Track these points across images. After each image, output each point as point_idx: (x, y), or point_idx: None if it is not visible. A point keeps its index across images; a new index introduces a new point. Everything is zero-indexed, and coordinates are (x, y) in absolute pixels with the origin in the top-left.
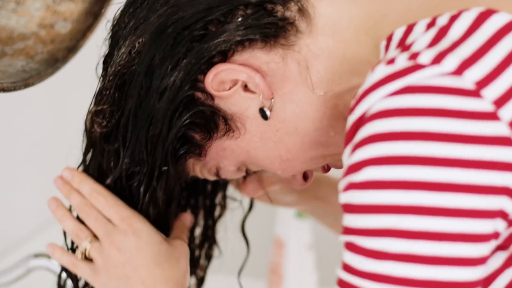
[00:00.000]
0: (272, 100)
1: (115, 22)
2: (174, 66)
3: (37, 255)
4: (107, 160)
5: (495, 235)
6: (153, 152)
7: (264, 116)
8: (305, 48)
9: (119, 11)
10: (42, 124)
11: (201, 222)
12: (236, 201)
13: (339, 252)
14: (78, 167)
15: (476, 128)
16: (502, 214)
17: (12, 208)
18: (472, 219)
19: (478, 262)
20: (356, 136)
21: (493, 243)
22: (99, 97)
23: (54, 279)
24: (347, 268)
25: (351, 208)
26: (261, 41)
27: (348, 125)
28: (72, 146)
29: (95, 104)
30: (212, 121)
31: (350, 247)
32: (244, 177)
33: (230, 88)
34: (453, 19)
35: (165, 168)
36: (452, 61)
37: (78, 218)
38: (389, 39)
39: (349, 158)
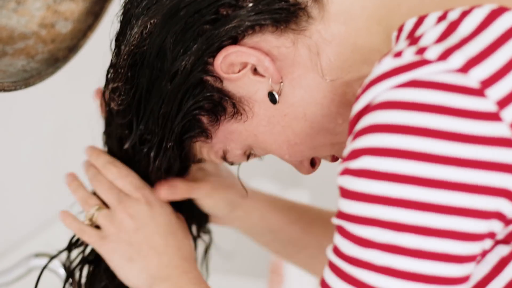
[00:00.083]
0: (281, 84)
1: (127, 0)
2: (185, 51)
3: (37, 255)
4: (123, 130)
5: (490, 235)
6: (163, 127)
7: (273, 100)
8: (316, 34)
9: None
10: (43, 124)
11: None
12: None
13: None
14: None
15: (477, 128)
16: (498, 216)
17: (13, 208)
18: (464, 218)
19: (466, 259)
20: (359, 124)
21: (488, 242)
22: (115, 74)
23: (55, 279)
24: (336, 250)
25: (344, 193)
26: (272, 25)
27: (352, 114)
28: (73, 146)
29: (111, 80)
30: (220, 104)
31: (340, 230)
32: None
33: (239, 71)
34: (464, 14)
35: (171, 144)
36: (459, 58)
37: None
38: (400, 30)
39: (350, 144)
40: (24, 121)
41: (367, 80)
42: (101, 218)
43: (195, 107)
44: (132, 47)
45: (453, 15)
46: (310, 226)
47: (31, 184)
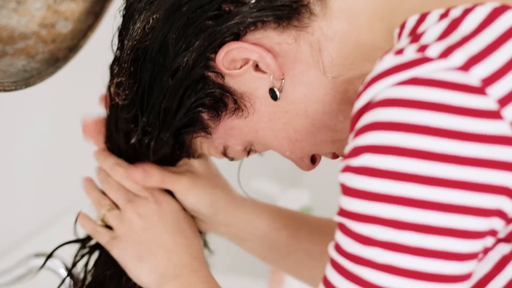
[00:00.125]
0: (283, 81)
1: None
2: (187, 47)
3: (38, 255)
4: (129, 124)
5: (491, 233)
6: (163, 121)
7: (274, 97)
8: (318, 30)
9: None
10: (43, 123)
11: None
12: None
13: None
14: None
15: (477, 126)
16: (499, 214)
17: (13, 208)
18: (465, 216)
19: (467, 257)
20: (360, 121)
21: (490, 240)
22: (118, 69)
23: (56, 279)
24: (337, 247)
25: (345, 190)
26: (274, 22)
27: (353, 111)
28: (73, 146)
29: (115, 75)
30: (221, 100)
31: (342, 228)
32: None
33: (241, 67)
34: (466, 12)
35: (167, 136)
36: (460, 56)
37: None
38: (402, 27)
39: (351, 142)
40: (24, 121)
41: (368, 78)
42: (111, 218)
43: (196, 104)
44: (135, 42)
45: (455, 13)
46: (297, 231)
47: (31, 184)
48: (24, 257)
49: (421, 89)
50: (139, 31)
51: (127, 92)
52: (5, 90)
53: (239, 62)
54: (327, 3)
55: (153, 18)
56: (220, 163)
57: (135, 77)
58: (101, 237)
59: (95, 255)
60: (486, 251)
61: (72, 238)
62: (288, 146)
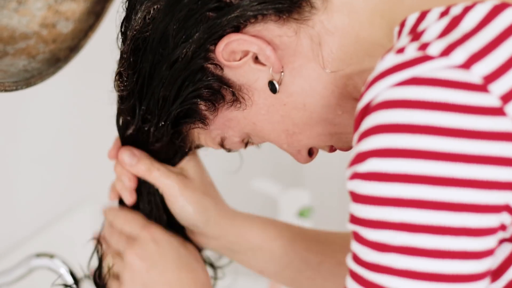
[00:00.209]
0: (282, 73)
1: None
2: (187, 38)
3: (39, 255)
4: (126, 116)
5: (502, 227)
6: (161, 109)
7: (273, 90)
8: (319, 24)
9: None
10: (44, 124)
11: None
12: None
13: None
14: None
15: (481, 123)
16: (508, 209)
17: (14, 208)
18: (476, 214)
19: (483, 255)
20: (362, 125)
21: (501, 234)
22: (120, 59)
23: (56, 279)
24: (355, 257)
25: (355, 197)
26: (275, 15)
27: (356, 111)
28: (74, 145)
29: (118, 66)
30: (219, 92)
31: (356, 236)
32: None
33: (240, 59)
34: (466, 9)
35: (163, 124)
36: (461, 54)
37: None
38: (402, 25)
39: (355, 147)
40: (25, 121)
41: (370, 77)
42: (116, 266)
43: (193, 94)
44: (135, 32)
45: (455, 10)
46: (292, 242)
47: (32, 184)
48: (25, 257)
49: (422, 88)
50: (139, 21)
51: (126, 83)
52: (5, 90)
53: (238, 54)
54: None
55: (154, 9)
56: (221, 163)
57: (134, 67)
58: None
59: None
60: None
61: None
62: (286, 138)
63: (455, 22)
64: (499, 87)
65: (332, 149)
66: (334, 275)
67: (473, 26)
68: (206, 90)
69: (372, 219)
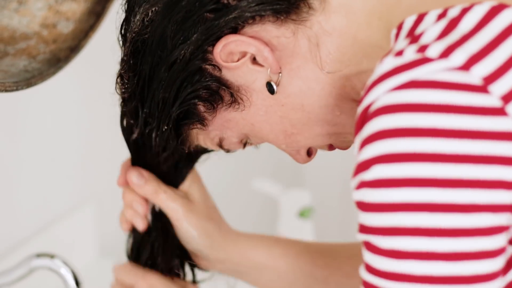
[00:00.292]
0: (280, 74)
1: None
2: (185, 40)
3: (39, 255)
4: (129, 119)
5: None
6: (162, 111)
7: (271, 90)
8: (317, 25)
9: None
10: (45, 124)
11: None
12: None
13: None
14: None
15: (484, 123)
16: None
17: (15, 208)
18: (486, 213)
19: (497, 253)
20: (363, 131)
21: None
22: (122, 62)
23: (56, 279)
24: (369, 268)
25: (364, 206)
26: (272, 16)
27: (356, 116)
28: (74, 146)
29: (119, 68)
30: (218, 93)
31: (368, 246)
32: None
33: (238, 60)
34: (464, 11)
35: (166, 128)
36: (460, 56)
37: None
38: (399, 27)
39: (357, 154)
40: (25, 122)
41: (369, 81)
42: None
43: (192, 95)
44: (134, 35)
45: (453, 12)
46: (297, 258)
47: (33, 184)
48: (26, 258)
49: (422, 91)
50: (138, 23)
51: (127, 85)
52: (6, 91)
53: (236, 55)
54: None
55: (152, 11)
56: (222, 164)
57: (135, 69)
58: None
59: None
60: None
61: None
62: (284, 139)
63: (453, 24)
64: (499, 88)
65: (331, 147)
66: (342, 287)
67: (471, 27)
68: (205, 91)
69: (383, 227)
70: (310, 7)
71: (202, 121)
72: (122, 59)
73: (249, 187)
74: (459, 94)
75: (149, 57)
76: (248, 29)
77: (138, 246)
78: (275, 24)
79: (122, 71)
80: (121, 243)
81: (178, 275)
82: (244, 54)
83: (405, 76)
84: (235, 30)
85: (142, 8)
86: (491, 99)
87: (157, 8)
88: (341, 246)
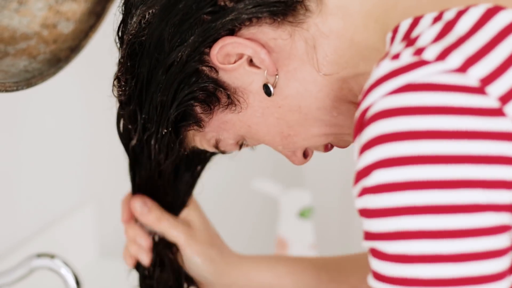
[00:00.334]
0: (277, 76)
1: None
2: (182, 42)
3: (39, 255)
4: (127, 123)
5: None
6: (160, 115)
7: (268, 92)
8: (313, 27)
9: None
10: (44, 124)
11: None
12: None
13: (342, 251)
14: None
15: (482, 124)
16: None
17: (15, 208)
18: (489, 213)
19: (503, 252)
20: (362, 136)
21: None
22: (119, 64)
23: (57, 279)
24: (376, 275)
25: (367, 213)
26: (269, 18)
27: (354, 120)
28: (74, 146)
29: (116, 71)
30: (214, 95)
31: (374, 253)
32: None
33: (235, 62)
34: (460, 14)
35: (166, 131)
36: (457, 58)
37: None
38: (395, 31)
39: (357, 160)
40: (25, 122)
41: (366, 85)
42: None
43: (189, 97)
44: (131, 37)
45: (449, 15)
46: (302, 274)
47: (33, 184)
48: (26, 258)
49: (419, 94)
50: (135, 25)
51: (124, 87)
52: (6, 91)
53: (233, 57)
54: (323, 0)
55: (149, 13)
56: (222, 163)
57: (132, 72)
58: None
59: None
60: None
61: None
62: (281, 140)
63: (449, 26)
64: (496, 89)
65: (326, 148)
66: None
67: (467, 29)
68: (202, 93)
69: (388, 232)
70: (307, 9)
71: (199, 123)
72: (119, 61)
73: (249, 187)
74: (456, 96)
75: (146, 59)
76: (245, 31)
77: (144, 279)
78: (272, 26)
79: (119, 74)
80: (121, 243)
81: None
82: (241, 56)
83: (402, 79)
84: (232, 32)
85: (139, 10)
86: (489, 100)
87: (154, 11)
88: (346, 258)
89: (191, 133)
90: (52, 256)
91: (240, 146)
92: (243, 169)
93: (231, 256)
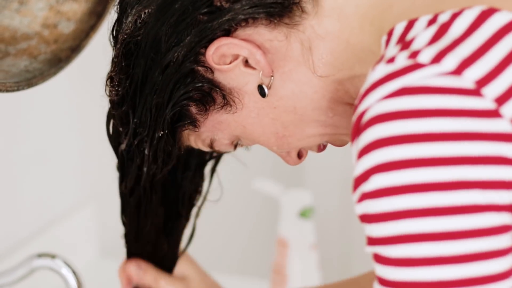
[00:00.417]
0: (272, 77)
1: None
2: (178, 42)
3: (40, 255)
4: (118, 126)
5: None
6: (156, 118)
7: (262, 94)
8: (309, 28)
9: None
10: (45, 124)
11: None
12: None
13: (342, 251)
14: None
15: (479, 125)
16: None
17: (16, 208)
18: (489, 213)
19: (505, 252)
20: (359, 141)
21: None
22: (112, 64)
23: (57, 279)
24: (381, 281)
25: (368, 218)
26: (265, 19)
27: (351, 124)
28: (74, 146)
29: (109, 71)
30: (210, 95)
31: (377, 258)
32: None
33: (230, 62)
34: (454, 16)
35: (162, 133)
36: (452, 60)
37: None
38: (390, 34)
39: (355, 166)
40: (26, 122)
41: (362, 90)
42: None
43: (184, 97)
44: (126, 36)
45: (443, 18)
46: None
47: (34, 184)
48: (27, 258)
49: (415, 97)
50: (130, 25)
51: (117, 87)
52: (7, 91)
53: (229, 57)
54: (319, 2)
55: (145, 13)
56: (223, 164)
57: (127, 72)
58: None
59: None
60: None
61: (74, 238)
62: (276, 141)
63: (444, 29)
64: (492, 90)
65: (320, 148)
66: None
67: (462, 32)
68: (197, 93)
69: (390, 236)
70: (303, 11)
71: (194, 123)
72: (113, 61)
73: (250, 187)
74: (452, 98)
75: (142, 59)
76: (241, 32)
77: None
78: (268, 27)
79: (112, 73)
80: (122, 243)
81: None
82: (236, 57)
83: (397, 83)
84: (228, 33)
85: (134, 10)
86: (485, 102)
87: (150, 10)
88: (361, 278)
89: (186, 133)
90: (53, 256)
91: (235, 146)
92: (243, 169)
93: None
